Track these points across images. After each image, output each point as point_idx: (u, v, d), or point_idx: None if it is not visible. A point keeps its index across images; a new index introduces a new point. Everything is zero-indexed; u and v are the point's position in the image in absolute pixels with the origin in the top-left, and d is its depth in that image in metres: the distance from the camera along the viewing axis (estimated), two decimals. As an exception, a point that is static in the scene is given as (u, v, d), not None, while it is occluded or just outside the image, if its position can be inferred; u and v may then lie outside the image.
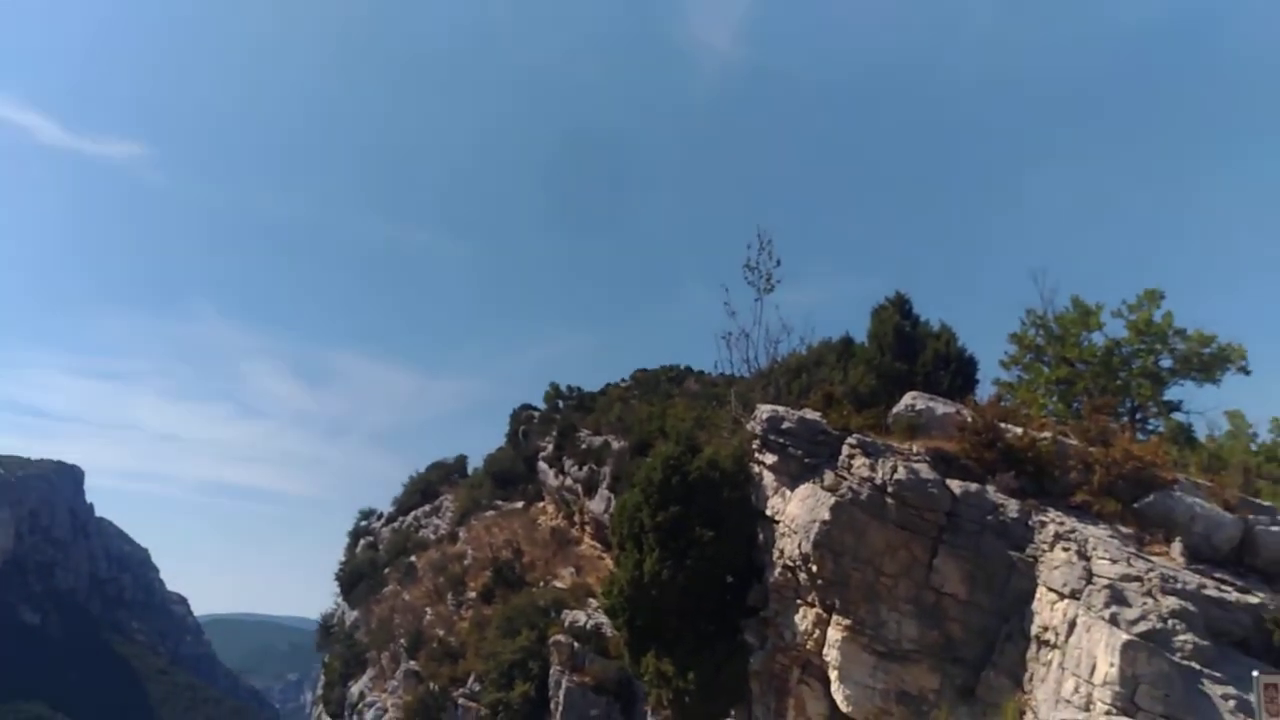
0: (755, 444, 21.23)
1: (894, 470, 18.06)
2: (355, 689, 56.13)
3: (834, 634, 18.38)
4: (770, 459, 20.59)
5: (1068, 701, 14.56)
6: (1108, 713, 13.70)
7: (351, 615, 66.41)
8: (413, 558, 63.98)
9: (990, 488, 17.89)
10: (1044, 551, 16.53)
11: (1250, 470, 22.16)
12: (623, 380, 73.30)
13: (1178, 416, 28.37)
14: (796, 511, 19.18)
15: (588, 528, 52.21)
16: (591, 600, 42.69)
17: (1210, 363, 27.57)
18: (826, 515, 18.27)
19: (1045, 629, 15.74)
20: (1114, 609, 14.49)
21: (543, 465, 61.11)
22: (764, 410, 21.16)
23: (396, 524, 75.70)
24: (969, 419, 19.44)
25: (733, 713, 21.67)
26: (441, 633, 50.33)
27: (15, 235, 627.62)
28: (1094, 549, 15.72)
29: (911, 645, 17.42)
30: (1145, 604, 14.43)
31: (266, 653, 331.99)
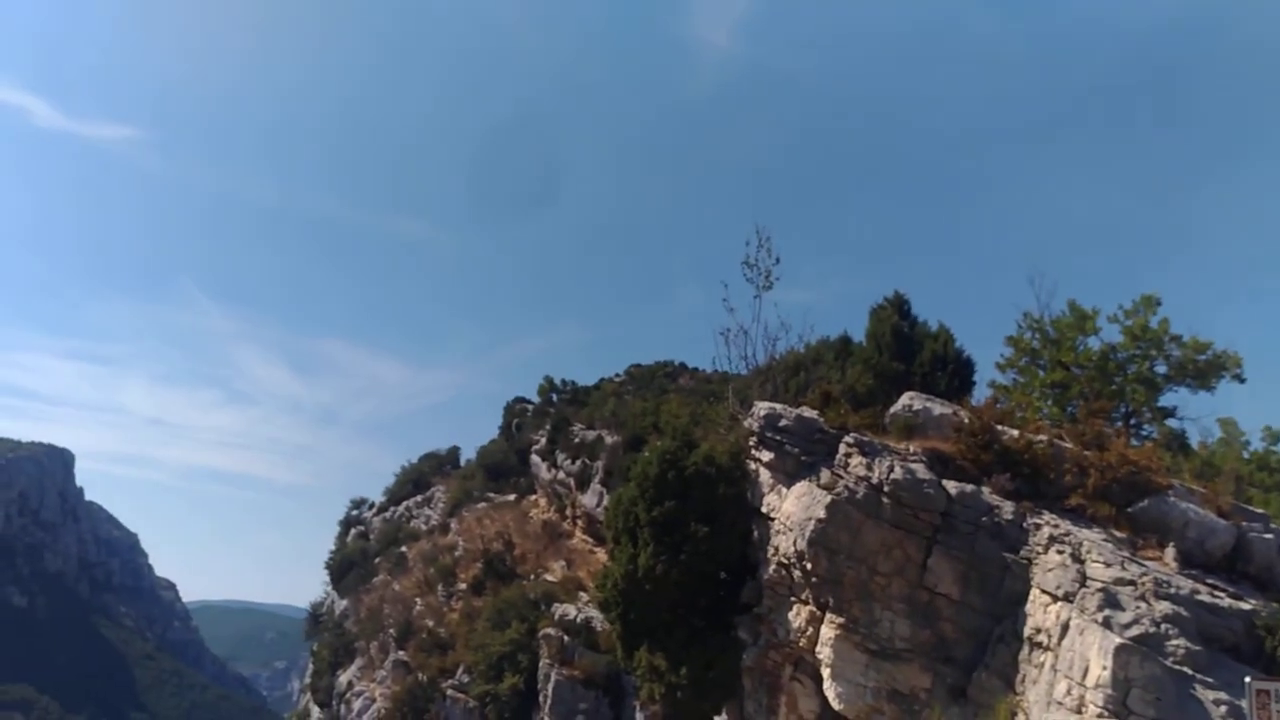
0: (752, 441, 21.25)
1: (890, 470, 18.10)
2: (344, 678, 56.18)
3: (827, 632, 18.43)
4: (767, 456, 20.63)
5: (1060, 704, 14.61)
6: (1099, 716, 13.75)
7: (341, 604, 66.46)
8: (404, 548, 64.04)
9: (986, 489, 17.93)
10: (1038, 554, 16.57)
11: (1242, 478, 22.31)
12: (617, 375, 73.48)
13: (1171, 423, 28.48)
14: (792, 509, 19.23)
15: (579, 522, 52.28)
16: (582, 594, 42.77)
17: (1205, 370, 27.67)
18: (822, 513, 18.31)
19: (1038, 631, 15.78)
20: (1107, 612, 14.54)
21: (535, 458, 61.18)
22: (761, 407, 21.19)
23: (388, 514, 75.76)
24: (966, 420, 19.49)
25: (724, 708, 21.73)
26: (431, 624, 50.37)
27: (7, 217, 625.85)
28: (1088, 552, 15.77)
29: (904, 644, 17.47)
30: (1138, 608, 14.48)
31: (254, 640, 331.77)
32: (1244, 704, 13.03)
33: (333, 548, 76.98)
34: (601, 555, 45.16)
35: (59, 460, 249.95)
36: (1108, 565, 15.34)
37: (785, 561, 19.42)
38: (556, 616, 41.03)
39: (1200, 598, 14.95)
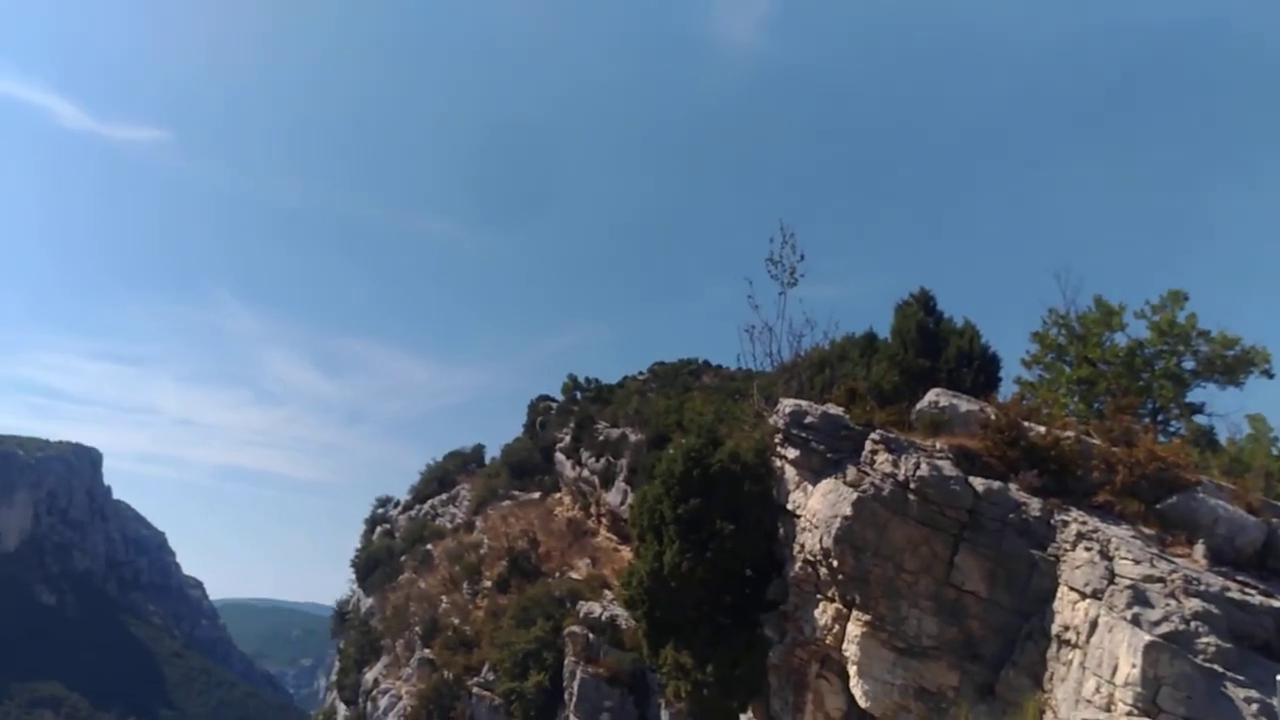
0: (777, 438, 21.20)
1: (917, 466, 18.03)
2: (370, 676, 56.41)
3: (853, 629, 18.38)
4: (792, 453, 20.58)
5: (1088, 702, 14.52)
6: (1129, 714, 13.66)
7: (367, 602, 66.71)
8: (429, 546, 64.23)
9: (1013, 486, 17.84)
10: (1066, 551, 16.48)
11: (1272, 474, 22.07)
12: (640, 373, 73.47)
13: (1200, 419, 28.25)
14: (818, 506, 19.18)
15: (604, 519, 52.34)
16: (607, 592, 42.81)
17: (1234, 365, 27.44)
18: (848, 510, 18.26)
19: (1066, 628, 15.69)
20: (1136, 610, 14.44)
21: (560, 456, 61.26)
22: (787, 404, 21.14)
23: (413, 512, 76.03)
24: (992, 417, 19.40)
25: (750, 706, 21.71)
26: (456, 621, 50.53)
27: (38, 218, 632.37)
28: (1116, 549, 15.67)
29: (931, 642, 17.40)
30: (1168, 605, 14.38)
31: (281, 638, 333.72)
32: (1275, 702, 12.92)
33: (358, 546, 77.30)
34: (626, 553, 45.20)
35: (87, 460, 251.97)
36: (1136, 562, 15.24)
37: (811, 559, 19.38)
38: (581, 614, 41.08)
39: (1231, 595, 14.83)
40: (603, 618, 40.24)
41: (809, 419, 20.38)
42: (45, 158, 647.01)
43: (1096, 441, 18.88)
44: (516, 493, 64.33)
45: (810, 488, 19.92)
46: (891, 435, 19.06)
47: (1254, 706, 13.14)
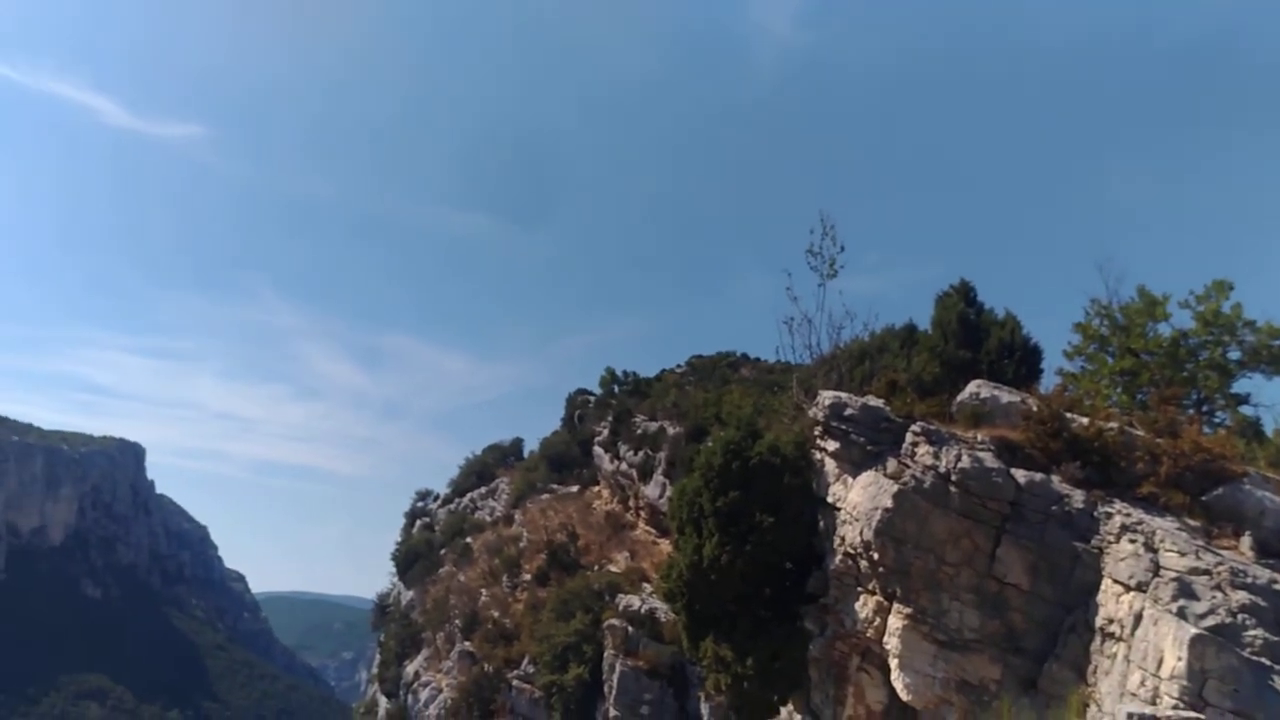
0: (817, 430, 21.12)
1: (958, 458, 17.92)
2: (410, 668, 56.72)
3: (894, 622, 18.30)
4: (832, 445, 20.49)
5: (1133, 695, 14.39)
6: (1175, 707, 13.51)
7: (407, 595, 67.06)
8: (468, 539, 64.45)
9: (1055, 478, 17.69)
10: (1110, 543, 16.32)
11: (1320, 465, 21.74)
12: (678, 366, 73.43)
13: (1245, 410, 27.87)
14: (858, 499, 19.11)
15: (642, 513, 52.34)
16: (646, 585, 42.85)
17: (1280, 355, 27.04)
18: (889, 503, 18.18)
19: (1110, 621, 15.56)
20: (1182, 602, 14.30)
21: (598, 450, 61.32)
22: (827, 396, 21.04)
23: (453, 505, 76.31)
24: (1034, 408, 19.24)
25: (791, 699, 21.67)
26: (496, 614, 50.70)
27: (81, 215, 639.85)
28: (1161, 541, 15.50)
29: (973, 635, 17.30)
30: (1214, 598, 14.22)
31: (322, 631, 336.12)
32: (1325, 695, 12.76)
33: (398, 539, 77.69)
34: (664, 546, 45.20)
35: (130, 454, 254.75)
36: (1182, 554, 15.07)
37: (852, 551, 19.31)
38: (620, 607, 41.13)
39: (1278, 587, 14.65)
40: (642, 611, 40.28)
41: (849, 411, 20.28)
42: (86, 155, 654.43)
43: (1140, 433, 18.69)
44: (555, 486, 64.45)
45: (850, 480, 19.84)
46: (932, 427, 18.93)
47: (1303, 700, 12.99)
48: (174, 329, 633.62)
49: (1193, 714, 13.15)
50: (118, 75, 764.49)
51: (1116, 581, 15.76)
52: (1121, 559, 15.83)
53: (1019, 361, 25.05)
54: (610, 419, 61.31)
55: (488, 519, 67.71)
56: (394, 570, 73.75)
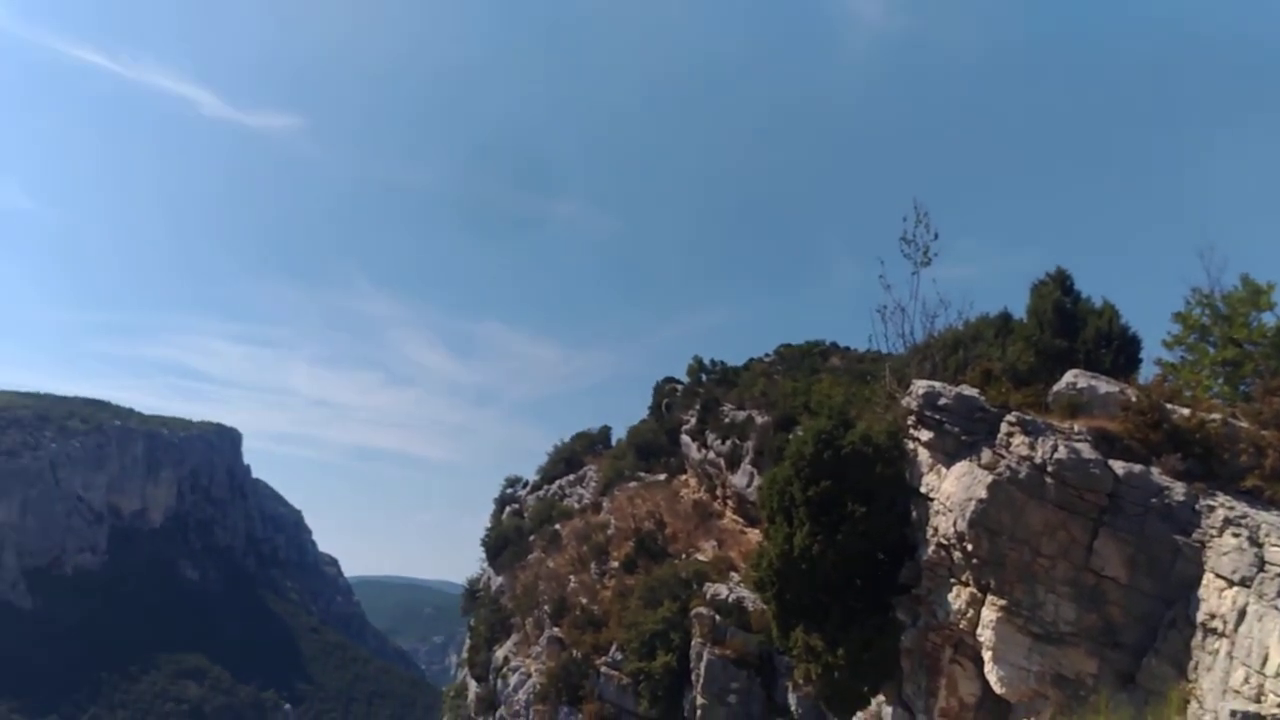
0: (910, 420, 20.93)
1: (1054, 449, 17.66)
2: (500, 653, 57.35)
3: (988, 614, 18.11)
4: (926, 435, 20.31)
5: (1236, 692, 14.11)
6: (1280, 705, 13.24)
7: (497, 581, 67.79)
8: (557, 526, 64.93)
9: (1155, 470, 17.37)
10: (1212, 537, 16.00)
11: None
12: (766, 355, 73.14)
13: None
14: (952, 489, 18.92)
15: (730, 502, 52.34)
16: (733, 574, 42.85)
17: (1391, 345, 26.19)
18: (983, 493, 17.97)
19: (1212, 617, 15.25)
20: (1288, 598, 13.98)
21: (685, 438, 61.37)
22: (920, 385, 20.85)
23: (541, 492, 76.93)
24: (1133, 398, 18.90)
25: (882, 690, 21.56)
26: (584, 601, 51.05)
27: (180, 205, 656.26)
28: (1266, 535, 15.14)
29: (1069, 628, 17.05)
30: (1322, 594, 13.89)
31: (413, 615, 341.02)
32: None
33: (488, 525, 78.48)
34: (752, 535, 45.16)
35: (228, 439, 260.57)
36: (1288, 549, 14.71)
37: (945, 542, 19.14)
38: (708, 596, 41.17)
39: (1389, 584, 14.25)
40: (729, 600, 40.28)
41: (943, 400, 20.08)
42: (188, 147, 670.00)
43: (1244, 425, 18.25)
44: (642, 474, 64.65)
45: (944, 470, 19.65)
46: (1028, 417, 18.68)
47: None
48: (270, 316, 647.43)
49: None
50: (215, 67, 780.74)
51: (1219, 576, 15.44)
52: (1225, 553, 15.51)
53: (1117, 351, 24.55)
54: (698, 408, 61.32)
55: (576, 506, 68.16)
56: (484, 556, 74.56)
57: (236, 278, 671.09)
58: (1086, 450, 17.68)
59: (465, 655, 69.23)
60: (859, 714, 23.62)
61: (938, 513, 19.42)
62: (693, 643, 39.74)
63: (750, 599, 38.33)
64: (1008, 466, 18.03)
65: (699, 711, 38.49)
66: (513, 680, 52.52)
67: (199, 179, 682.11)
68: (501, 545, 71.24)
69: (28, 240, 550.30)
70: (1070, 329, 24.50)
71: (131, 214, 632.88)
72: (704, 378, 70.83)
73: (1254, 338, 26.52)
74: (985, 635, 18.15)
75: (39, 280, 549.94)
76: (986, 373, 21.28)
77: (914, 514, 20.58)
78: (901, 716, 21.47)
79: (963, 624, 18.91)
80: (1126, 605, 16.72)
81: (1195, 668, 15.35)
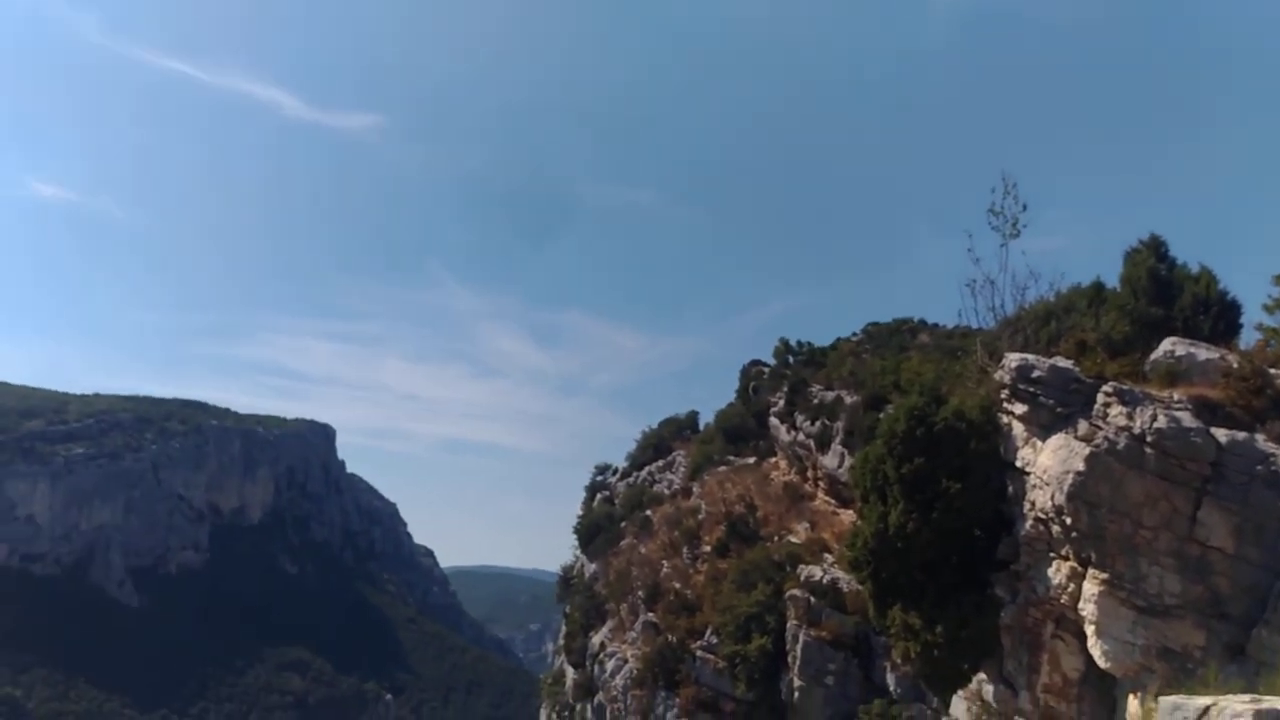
0: (1003, 394, 20.66)
1: (1153, 419, 17.32)
2: (596, 639, 57.63)
3: (1090, 588, 17.83)
4: (1020, 409, 20.03)
5: (1352, 661, 13.76)
6: (1399, 673, 12.88)
7: (590, 568, 68.07)
8: (648, 512, 65.02)
9: (1260, 436, 16.98)
10: (1322, 504, 15.61)
11: None
12: (853, 335, 72.47)
13: None
14: (1048, 463, 18.64)
15: (821, 483, 52.01)
16: (827, 555, 42.64)
17: None
18: (1081, 466, 17.69)
19: (1324, 585, 14.89)
20: (1404, 564, 13.59)
21: (773, 421, 61.09)
22: (1013, 359, 20.55)
23: (631, 479, 77.06)
24: (1235, 364, 18.46)
25: (983, 667, 21.34)
26: (678, 585, 51.10)
27: (267, 207, 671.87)
28: (1378, 500, 14.75)
29: (1174, 600, 16.74)
30: None
31: (508, 603, 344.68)
32: None
33: (580, 513, 78.80)
34: (844, 516, 44.90)
35: (322, 435, 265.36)
36: (1402, 514, 14.30)
37: (1042, 516, 18.87)
38: (802, 578, 41.03)
39: None
40: (823, 581, 40.12)
41: (1036, 373, 19.78)
42: (272, 148, 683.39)
43: (1350, 387, 17.78)
44: (732, 458, 64.48)
45: (1039, 444, 19.36)
46: (1125, 387, 18.34)
47: None
48: (359, 314, 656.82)
49: None
50: (297, 70, 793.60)
51: (1329, 544, 15.07)
52: (1334, 520, 15.13)
53: (1215, 317, 23.92)
54: (785, 390, 60.96)
55: (666, 492, 68.19)
56: (576, 543, 74.92)
57: (325, 276, 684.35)
58: (1187, 419, 17.32)
59: (561, 642, 69.67)
60: (959, 692, 23.40)
61: (1034, 487, 19.15)
62: (788, 625, 39.67)
63: (845, 580, 38.14)
64: (1105, 438, 17.73)
65: (796, 694, 38.44)
66: (609, 666, 52.78)
67: (284, 180, 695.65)
68: (594, 532, 71.54)
69: (123, 248, 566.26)
70: (1166, 296, 23.94)
71: (220, 217, 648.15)
72: (791, 359, 70.39)
73: (1358, 298, 25.74)
74: (1087, 609, 17.88)
75: (135, 287, 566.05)
76: (1080, 343, 20.91)
77: (1010, 489, 20.32)
78: (1003, 694, 21.24)
79: (1064, 599, 18.65)
80: (1233, 576, 16.38)
81: (1308, 638, 14.99)
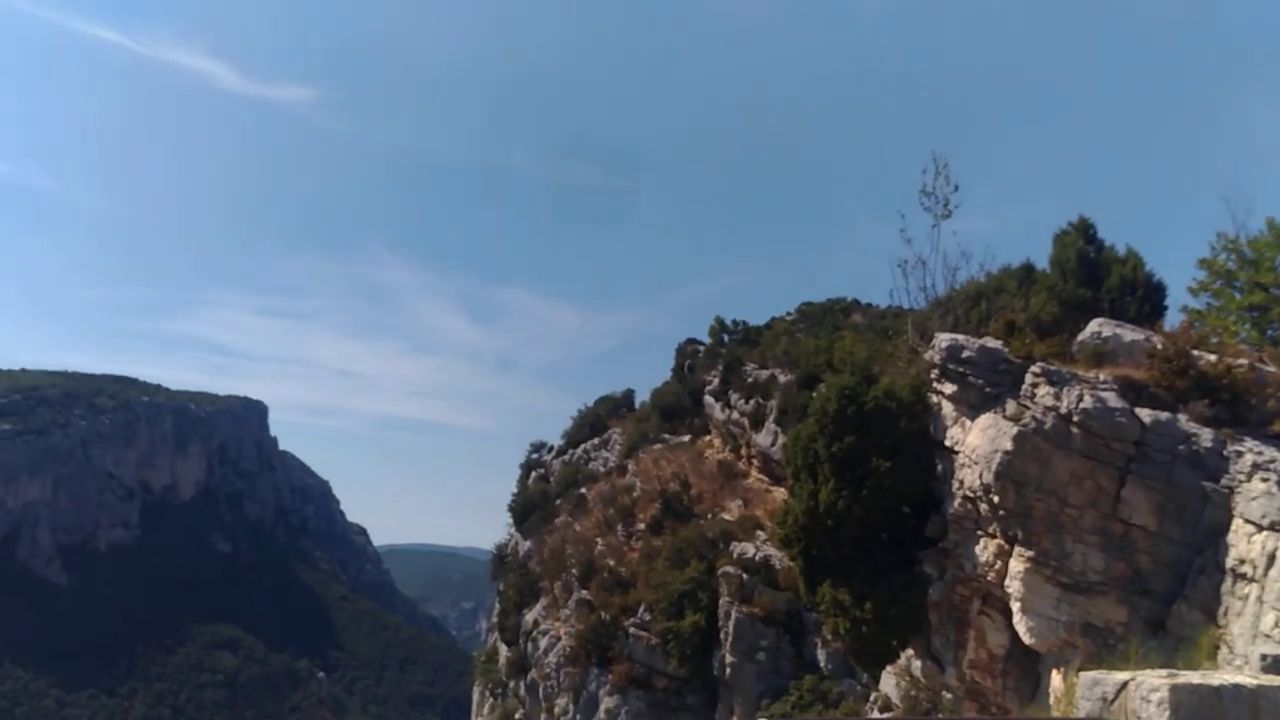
0: (933, 374, 20.83)
1: (1079, 399, 17.55)
2: (529, 617, 57.62)
3: (1016, 565, 18.08)
4: (949, 389, 20.22)
5: (1267, 636, 14.06)
6: (1312, 648, 13.19)
7: (524, 545, 68.01)
8: (583, 489, 65.08)
9: (1182, 417, 17.25)
10: (1240, 482, 15.91)
11: None
12: (788, 314, 72.79)
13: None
14: (977, 442, 18.85)
15: (754, 461, 52.35)
16: (760, 533, 42.92)
17: None
18: (1009, 445, 17.90)
19: (1242, 562, 15.19)
20: (1319, 541, 13.90)
21: (708, 399, 61.34)
22: (943, 339, 20.72)
23: (567, 456, 77.08)
24: (1159, 346, 18.76)
25: (910, 643, 21.60)
26: (612, 563, 51.21)
27: (199, 180, 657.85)
28: (1296, 480, 15.07)
29: (1098, 577, 17.01)
30: (1353, 537, 13.80)
31: (442, 581, 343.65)
32: None
33: (515, 490, 78.75)
34: (777, 494, 45.18)
35: (254, 412, 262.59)
36: (1318, 493, 14.63)
37: (971, 495, 19.08)
38: (735, 555, 41.29)
39: None
40: (756, 558, 40.40)
41: (966, 353, 19.97)
42: (206, 121, 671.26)
43: (1271, 369, 18.13)
44: (667, 436, 64.64)
45: (968, 423, 19.57)
46: (1052, 367, 18.56)
47: None
48: (291, 288, 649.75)
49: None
50: (231, 41, 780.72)
51: (1248, 521, 15.37)
52: (1254, 498, 15.43)
53: (1141, 299, 24.32)
54: (720, 368, 61.22)
55: (601, 469, 68.28)
56: (511, 521, 74.84)
57: (256, 251, 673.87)
58: (1112, 399, 17.57)
59: (495, 620, 69.59)
60: (888, 668, 23.73)
61: (963, 466, 19.36)
62: (720, 602, 39.89)
63: (777, 557, 38.41)
64: (1033, 417, 17.95)
65: (728, 670, 38.70)
66: (543, 643, 52.84)
67: (217, 153, 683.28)
68: (528, 510, 71.50)
69: (51, 220, 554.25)
70: (1094, 278, 24.28)
71: (150, 190, 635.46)
72: (726, 338, 70.68)
73: (1280, 282, 26.26)
74: (1013, 586, 18.13)
75: (64, 260, 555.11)
76: (1009, 324, 21.12)
77: (939, 468, 20.53)
78: (930, 669, 21.53)
79: (990, 576, 18.90)
80: (1155, 553, 16.66)
81: (1225, 613, 15.29)
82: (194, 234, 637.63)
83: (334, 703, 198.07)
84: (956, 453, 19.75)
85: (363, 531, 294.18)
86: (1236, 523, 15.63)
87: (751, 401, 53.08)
